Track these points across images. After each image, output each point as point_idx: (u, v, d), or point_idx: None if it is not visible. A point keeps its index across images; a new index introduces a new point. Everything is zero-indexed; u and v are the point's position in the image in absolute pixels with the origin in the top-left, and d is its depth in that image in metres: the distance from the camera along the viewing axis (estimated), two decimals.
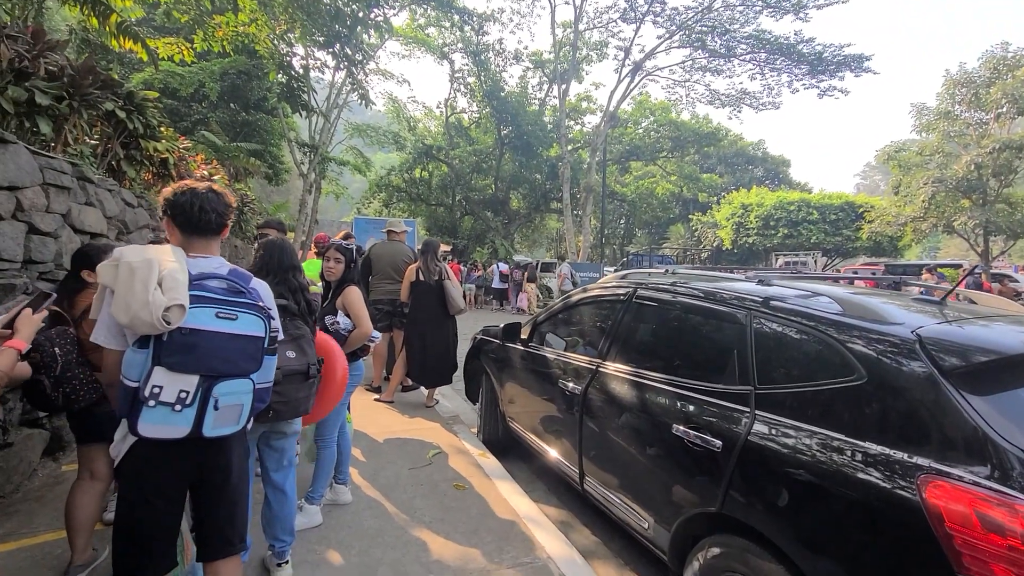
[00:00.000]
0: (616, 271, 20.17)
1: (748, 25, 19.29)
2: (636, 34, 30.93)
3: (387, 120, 30.07)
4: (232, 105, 16.69)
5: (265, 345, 1.58)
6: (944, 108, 19.64)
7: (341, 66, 16.99)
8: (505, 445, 4.10)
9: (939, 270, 13.81)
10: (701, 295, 2.39)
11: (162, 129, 5.70)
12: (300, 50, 16.79)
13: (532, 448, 3.53)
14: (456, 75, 25.77)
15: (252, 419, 1.63)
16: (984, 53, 18.84)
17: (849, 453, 1.56)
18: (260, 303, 1.58)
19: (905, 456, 1.44)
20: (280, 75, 15.93)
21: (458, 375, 5.07)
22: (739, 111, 21.87)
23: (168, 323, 1.37)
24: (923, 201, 18.35)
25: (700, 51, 20.27)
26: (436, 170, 27.72)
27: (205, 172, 7.66)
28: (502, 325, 4.03)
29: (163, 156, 5.69)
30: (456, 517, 2.92)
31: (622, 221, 38.21)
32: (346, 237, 5.01)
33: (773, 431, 1.79)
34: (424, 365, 4.86)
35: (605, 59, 22.95)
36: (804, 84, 19.60)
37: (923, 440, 1.44)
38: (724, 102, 21.52)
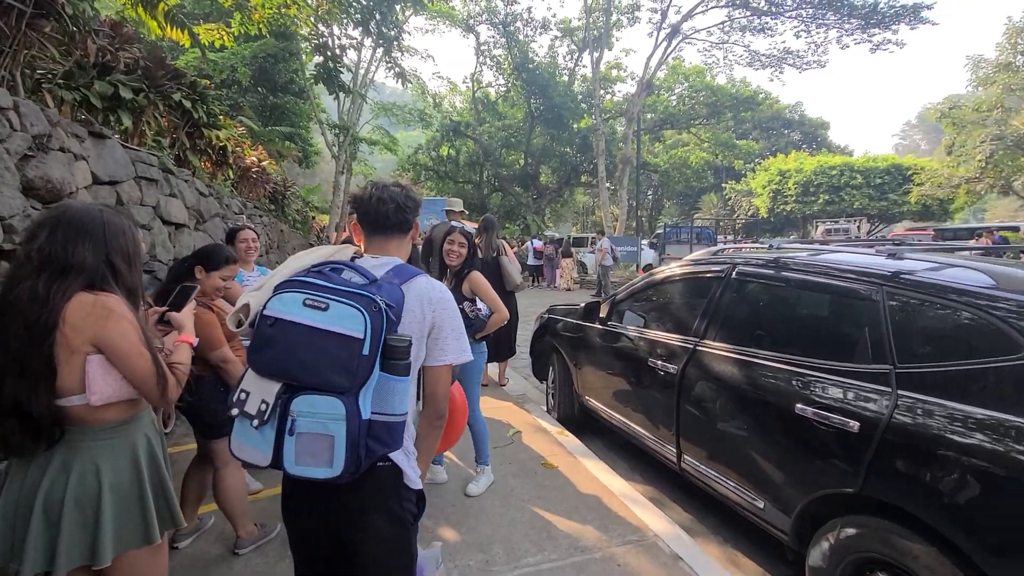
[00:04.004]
0: (650, 244, 19.89)
1: None
2: None
3: (411, 97, 29.77)
4: (260, 89, 16.73)
5: (365, 352, 1.08)
6: (1005, 60, 18.28)
7: (379, 44, 16.76)
8: (579, 423, 4.12)
9: (999, 233, 13.15)
10: (819, 271, 2.31)
11: (221, 118, 5.76)
12: (336, 30, 16.63)
13: (614, 426, 3.53)
14: (482, 48, 25.23)
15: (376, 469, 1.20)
16: None
17: (1013, 432, 1.53)
18: (376, 296, 1.13)
19: None
20: (317, 56, 15.86)
21: (522, 355, 5.09)
22: (780, 72, 20.87)
23: (236, 325, 1.23)
24: (980, 160, 17.35)
25: (741, 9, 19.27)
26: (463, 147, 27.45)
27: (255, 158, 7.75)
28: (582, 304, 4.00)
29: (222, 144, 5.78)
30: (553, 496, 2.97)
31: (650, 192, 37.37)
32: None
33: (921, 411, 1.74)
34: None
35: (636, 23, 22.03)
36: (855, 39, 18.40)
37: None
38: (765, 63, 20.53)
